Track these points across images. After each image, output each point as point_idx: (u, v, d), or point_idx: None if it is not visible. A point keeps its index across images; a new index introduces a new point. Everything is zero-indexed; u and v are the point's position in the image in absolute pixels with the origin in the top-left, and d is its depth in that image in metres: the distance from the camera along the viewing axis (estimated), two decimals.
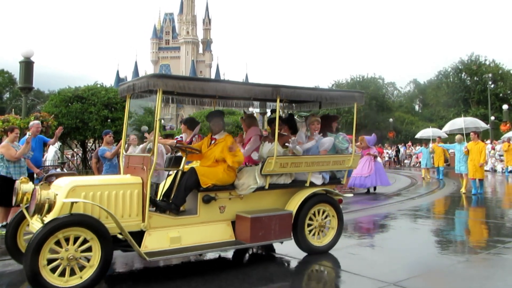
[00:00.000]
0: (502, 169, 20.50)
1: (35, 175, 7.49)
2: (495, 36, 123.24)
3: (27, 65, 10.66)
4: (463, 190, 11.86)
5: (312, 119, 5.73)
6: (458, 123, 15.90)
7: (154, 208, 4.55)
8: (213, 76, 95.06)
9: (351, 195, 6.90)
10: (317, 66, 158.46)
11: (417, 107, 65.34)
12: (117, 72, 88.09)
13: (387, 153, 29.04)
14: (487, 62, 44.48)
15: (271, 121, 5.74)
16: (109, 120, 10.99)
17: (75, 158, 11.74)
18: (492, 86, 39.71)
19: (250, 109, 7.72)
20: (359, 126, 46.67)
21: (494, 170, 21.18)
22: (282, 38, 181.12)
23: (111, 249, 3.95)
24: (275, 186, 5.10)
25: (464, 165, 11.70)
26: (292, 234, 5.04)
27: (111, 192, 4.22)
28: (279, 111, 5.35)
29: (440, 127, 25.93)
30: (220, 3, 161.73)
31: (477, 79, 43.50)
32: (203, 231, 4.62)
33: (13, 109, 14.72)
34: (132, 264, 5.12)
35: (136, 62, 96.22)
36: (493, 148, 22.98)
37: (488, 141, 26.09)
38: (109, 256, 3.92)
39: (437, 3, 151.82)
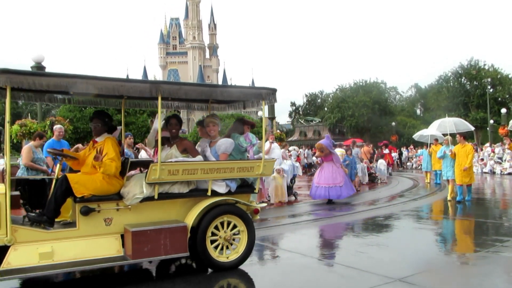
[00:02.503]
0: (501, 172, 20.83)
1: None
2: (494, 41, 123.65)
3: (39, 70, 10.93)
4: (449, 197, 10.78)
5: (207, 120, 5.09)
6: (432, 129, 14.01)
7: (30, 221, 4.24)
8: (220, 81, 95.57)
9: (265, 204, 6.07)
10: (322, 70, 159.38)
11: (418, 111, 65.58)
12: (127, 77, 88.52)
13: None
14: (486, 67, 44.73)
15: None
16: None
17: None
18: (491, 90, 39.98)
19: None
20: (362, 130, 46.56)
21: (493, 172, 21.52)
22: (287, 43, 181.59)
23: None
24: (169, 196, 4.52)
25: (451, 170, 10.63)
26: (188, 249, 4.46)
27: None
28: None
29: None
30: (224, 8, 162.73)
31: (477, 83, 43.78)
32: (84, 246, 4.14)
33: (29, 114, 14.99)
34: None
35: (144, 67, 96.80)
36: (493, 151, 23.32)
37: (487, 144, 26.48)
38: None
39: (437, 10, 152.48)
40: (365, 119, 49.08)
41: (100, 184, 4.28)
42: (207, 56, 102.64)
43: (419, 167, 23.18)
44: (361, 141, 16.89)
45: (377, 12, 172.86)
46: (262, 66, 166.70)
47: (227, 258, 4.74)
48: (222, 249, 4.73)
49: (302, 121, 55.08)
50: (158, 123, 4.54)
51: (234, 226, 4.78)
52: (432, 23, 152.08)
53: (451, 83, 46.58)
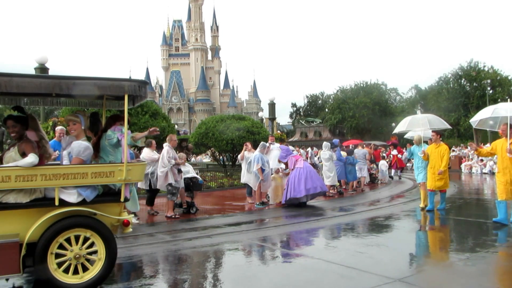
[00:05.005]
0: None
1: None
2: (493, 43, 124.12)
3: (42, 72, 10.87)
4: (421, 204, 9.60)
5: (66, 118, 4.64)
6: (402, 125, 11.79)
7: None
8: (222, 83, 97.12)
9: (132, 215, 5.86)
10: (323, 72, 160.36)
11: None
12: (129, 78, 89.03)
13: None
14: (486, 69, 44.93)
15: (5, 120, 4.46)
16: None
17: None
18: (491, 91, 40.17)
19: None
20: (363, 131, 46.24)
21: (492, 173, 21.56)
22: (288, 45, 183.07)
23: None
24: (2, 207, 3.94)
25: (423, 172, 9.51)
26: (22, 269, 3.87)
27: None
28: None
29: None
30: (226, 10, 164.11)
31: (476, 85, 43.96)
32: None
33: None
34: None
35: (147, 69, 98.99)
36: None
37: (488, 145, 26.55)
38: None
39: (438, 12, 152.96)
40: (365, 120, 49.37)
41: None
42: (209, 57, 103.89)
43: None
44: (361, 142, 16.77)
45: (378, 14, 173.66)
46: (264, 68, 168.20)
47: (79, 279, 4.09)
48: (78, 268, 4.11)
49: (303, 122, 55.23)
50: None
51: (90, 241, 4.18)
52: (432, 25, 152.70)
53: (451, 85, 46.78)
